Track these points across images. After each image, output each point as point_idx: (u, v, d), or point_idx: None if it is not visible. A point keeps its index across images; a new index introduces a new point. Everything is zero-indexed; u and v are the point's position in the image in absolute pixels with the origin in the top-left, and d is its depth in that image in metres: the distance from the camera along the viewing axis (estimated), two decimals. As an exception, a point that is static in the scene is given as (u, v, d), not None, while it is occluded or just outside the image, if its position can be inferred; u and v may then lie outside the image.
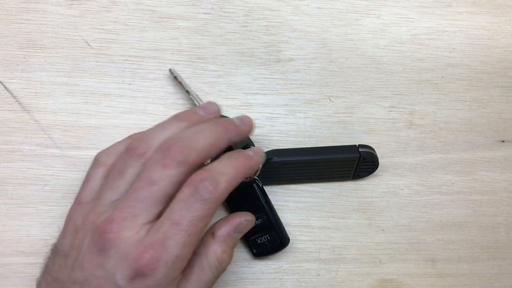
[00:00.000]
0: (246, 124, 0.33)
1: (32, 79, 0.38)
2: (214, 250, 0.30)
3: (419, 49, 0.41)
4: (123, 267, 0.26)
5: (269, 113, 0.39)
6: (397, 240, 0.39)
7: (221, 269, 0.31)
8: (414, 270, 0.39)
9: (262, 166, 0.34)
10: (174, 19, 0.39)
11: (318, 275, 0.38)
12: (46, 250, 0.31)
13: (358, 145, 0.37)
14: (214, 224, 0.32)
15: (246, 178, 0.35)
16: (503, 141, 0.41)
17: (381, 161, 0.40)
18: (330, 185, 0.39)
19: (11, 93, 0.37)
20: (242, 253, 0.38)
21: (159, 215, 0.28)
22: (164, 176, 0.28)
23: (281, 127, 0.39)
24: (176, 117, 0.32)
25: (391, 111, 0.40)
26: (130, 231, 0.27)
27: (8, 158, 0.37)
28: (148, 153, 0.29)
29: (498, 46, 0.42)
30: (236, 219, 0.32)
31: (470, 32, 0.42)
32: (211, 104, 0.33)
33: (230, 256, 0.31)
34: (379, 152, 0.39)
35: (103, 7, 0.39)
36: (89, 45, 0.38)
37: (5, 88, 0.38)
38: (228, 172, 0.29)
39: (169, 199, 0.28)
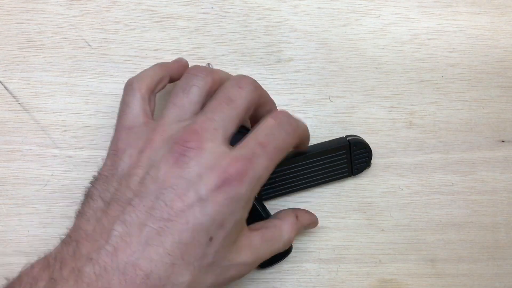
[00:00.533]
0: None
1: (32, 79, 0.38)
2: (291, 231, 0.32)
3: (419, 49, 0.41)
4: (210, 175, 0.25)
5: (269, 113, 0.39)
6: (397, 240, 0.39)
7: (284, 248, 0.32)
8: (414, 270, 0.39)
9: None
10: (174, 19, 0.39)
11: (318, 275, 0.38)
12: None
13: (346, 135, 0.37)
14: (298, 209, 0.35)
15: None
16: (503, 141, 0.41)
17: (381, 161, 0.40)
18: (330, 185, 0.39)
19: (11, 93, 0.37)
20: (242, 253, 0.38)
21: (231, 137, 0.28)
22: (240, 96, 0.28)
23: (281, 127, 0.39)
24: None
25: (391, 111, 0.40)
26: (212, 143, 0.26)
27: (8, 158, 0.37)
28: (214, 75, 0.30)
29: (498, 46, 0.42)
30: (315, 216, 0.36)
31: (470, 32, 0.42)
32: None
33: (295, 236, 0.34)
34: (379, 152, 0.39)
35: (103, 7, 0.39)
36: (89, 45, 0.38)
37: (5, 88, 0.38)
38: (303, 126, 0.32)
39: (241, 121, 0.29)
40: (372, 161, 0.39)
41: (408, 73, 0.41)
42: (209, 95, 0.30)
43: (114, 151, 0.28)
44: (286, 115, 0.30)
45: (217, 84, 0.30)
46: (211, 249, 0.25)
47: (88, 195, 0.27)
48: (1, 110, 0.37)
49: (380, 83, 0.40)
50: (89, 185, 0.28)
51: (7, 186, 0.37)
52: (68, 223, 0.29)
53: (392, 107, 0.40)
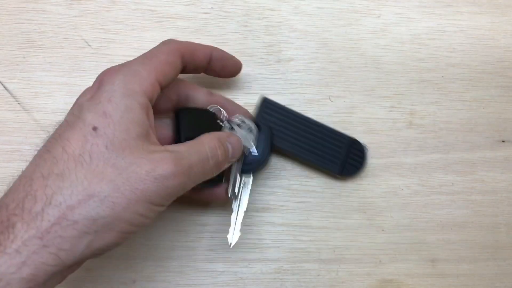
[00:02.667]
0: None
1: (32, 79, 0.38)
2: (211, 138, 0.30)
3: (419, 49, 0.41)
4: (88, 88, 0.28)
5: (269, 113, 0.39)
6: (397, 240, 0.39)
7: (216, 156, 0.29)
8: (415, 270, 0.39)
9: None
10: (174, 19, 0.39)
11: (318, 275, 0.38)
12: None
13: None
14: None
15: None
16: (503, 141, 0.41)
17: (381, 161, 0.40)
18: (330, 185, 0.39)
19: (11, 93, 0.37)
20: (241, 253, 0.38)
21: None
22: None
23: (281, 127, 0.39)
24: None
25: (391, 111, 0.40)
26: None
27: (8, 158, 0.37)
28: None
29: (498, 46, 0.42)
30: (227, 132, 0.34)
31: (471, 32, 0.42)
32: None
33: (223, 155, 0.30)
34: (379, 152, 0.39)
35: (103, 7, 0.39)
36: (89, 45, 0.38)
37: (5, 88, 0.37)
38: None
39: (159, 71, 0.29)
40: (372, 161, 0.39)
41: (408, 73, 0.41)
42: None
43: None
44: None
45: None
46: (99, 139, 0.24)
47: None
48: (1, 110, 0.37)
49: (380, 83, 0.40)
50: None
51: (7, 186, 0.37)
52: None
53: (392, 107, 0.40)
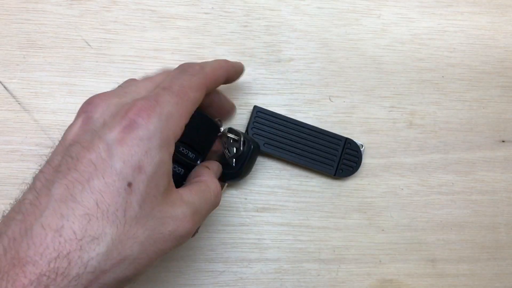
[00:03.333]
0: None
1: (32, 79, 0.38)
2: (214, 181, 0.30)
3: (419, 49, 0.41)
4: (114, 121, 0.24)
5: (269, 113, 0.39)
6: (397, 240, 0.39)
7: (217, 201, 0.30)
8: (414, 270, 0.39)
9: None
10: (174, 19, 0.39)
11: (318, 275, 0.38)
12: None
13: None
14: (205, 162, 0.32)
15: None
16: (503, 141, 0.41)
17: (381, 161, 0.40)
18: (330, 185, 0.39)
19: (11, 93, 0.37)
20: (241, 253, 0.38)
21: None
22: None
23: (281, 127, 0.39)
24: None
25: (391, 111, 0.40)
26: (117, 98, 0.26)
27: (8, 158, 0.37)
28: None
29: (498, 46, 0.42)
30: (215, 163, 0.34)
31: (471, 32, 0.42)
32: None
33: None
34: (379, 152, 0.39)
35: (103, 7, 0.39)
36: (89, 45, 0.38)
37: (5, 88, 0.37)
38: (213, 64, 0.31)
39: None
40: (373, 161, 0.40)
41: (408, 73, 0.41)
42: None
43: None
44: (188, 63, 0.30)
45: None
46: (133, 197, 0.23)
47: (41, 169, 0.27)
48: (1, 110, 0.37)
49: (380, 83, 0.40)
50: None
51: (7, 186, 0.37)
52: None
53: (392, 107, 0.40)
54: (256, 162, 0.38)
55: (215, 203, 0.30)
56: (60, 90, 0.38)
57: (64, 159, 0.24)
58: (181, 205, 0.26)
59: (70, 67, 0.38)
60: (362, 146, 0.39)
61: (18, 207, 0.23)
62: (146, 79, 0.30)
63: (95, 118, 0.25)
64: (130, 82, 0.30)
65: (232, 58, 0.39)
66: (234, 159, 0.35)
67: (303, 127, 0.38)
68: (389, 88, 0.40)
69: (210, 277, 0.37)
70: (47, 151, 0.37)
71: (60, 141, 0.25)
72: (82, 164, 0.23)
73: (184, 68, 0.29)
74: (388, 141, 0.40)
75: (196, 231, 0.31)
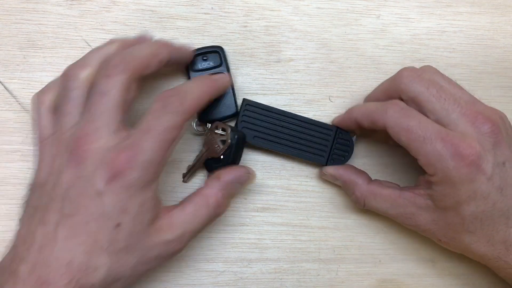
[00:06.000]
0: (186, 47, 0.36)
1: (32, 79, 0.38)
2: (216, 193, 0.33)
3: (419, 49, 0.41)
4: (102, 171, 0.28)
5: (269, 113, 0.39)
6: (397, 240, 0.39)
7: (217, 212, 0.33)
8: (414, 270, 0.39)
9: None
10: (174, 19, 0.39)
11: (318, 275, 0.38)
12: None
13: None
14: (221, 170, 0.34)
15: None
16: (503, 141, 0.41)
17: (381, 160, 0.40)
18: (330, 185, 0.39)
19: (11, 93, 0.38)
20: (241, 253, 0.38)
21: (123, 122, 0.30)
22: (111, 87, 0.29)
23: (281, 127, 0.39)
24: (109, 41, 0.34)
25: (391, 111, 0.40)
26: (101, 141, 0.29)
27: (8, 158, 0.37)
28: (86, 70, 0.31)
29: (498, 46, 0.42)
30: (241, 169, 0.35)
31: (470, 32, 0.42)
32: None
33: (228, 204, 0.34)
34: (379, 152, 0.39)
35: (103, 7, 0.39)
36: (89, 45, 0.38)
37: (5, 88, 0.38)
38: (194, 91, 0.32)
39: (126, 104, 0.30)
40: (372, 160, 0.40)
41: (408, 73, 0.41)
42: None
43: (38, 160, 0.31)
44: (169, 93, 0.31)
45: (95, 76, 0.31)
46: (120, 234, 0.28)
47: (24, 204, 0.31)
48: (1, 110, 0.37)
49: (380, 83, 0.40)
50: (25, 196, 0.31)
51: (7, 186, 0.37)
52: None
53: (392, 107, 0.40)
54: (256, 163, 0.38)
55: (213, 215, 0.33)
56: (60, 90, 0.38)
57: (65, 203, 0.28)
58: (167, 231, 0.30)
59: (70, 67, 0.38)
60: (354, 138, 0.39)
61: (32, 236, 0.28)
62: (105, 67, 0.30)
63: (87, 165, 0.28)
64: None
65: (232, 58, 0.39)
66: (222, 153, 0.36)
67: (293, 118, 0.38)
68: (389, 88, 0.40)
69: (210, 277, 0.37)
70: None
71: (54, 183, 0.29)
72: (79, 207, 0.28)
73: (164, 105, 0.30)
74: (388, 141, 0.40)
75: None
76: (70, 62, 0.38)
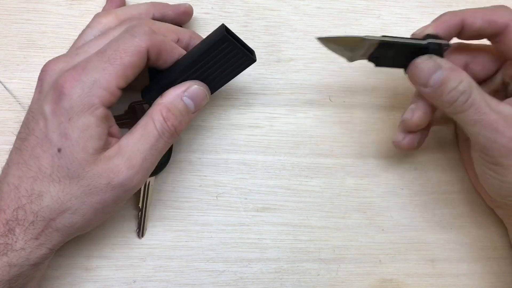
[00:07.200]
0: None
1: (32, 79, 0.38)
2: (160, 109, 0.30)
3: (419, 49, 0.41)
4: (50, 92, 0.28)
5: (269, 113, 0.39)
6: (397, 240, 0.39)
7: (166, 129, 0.30)
8: (414, 270, 0.39)
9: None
10: (174, 19, 0.39)
11: (318, 275, 0.38)
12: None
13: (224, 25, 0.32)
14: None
15: None
16: (503, 141, 0.41)
17: (381, 161, 0.40)
18: (330, 185, 0.39)
19: (11, 93, 0.38)
20: (241, 253, 0.38)
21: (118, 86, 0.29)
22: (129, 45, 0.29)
23: (281, 127, 0.39)
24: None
25: (391, 111, 0.40)
26: (60, 64, 0.30)
27: (8, 158, 0.37)
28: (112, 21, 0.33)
29: (498, 46, 0.42)
30: (187, 82, 0.32)
31: (470, 32, 0.42)
32: None
33: (178, 119, 0.31)
34: (379, 151, 0.39)
35: (103, 7, 0.39)
36: (89, 45, 0.38)
37: (5, 88, 0.38)
38: (165, 27, 0.32)
39: (118, 74, 0.29)
40: (372, 161, 0.40)
41: (408, 73, 0.41)
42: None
43: None
44: (140, 21, 0.31)
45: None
46: (62, 160, 0.28)
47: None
48: (1, 110, 0.37)
49: (380, 83, 0.40)
50: None
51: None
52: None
53: (392, 106, 0.40)
54: (256, 162, 0.38)
55: (163, 134, 0.30)
56: (60, 90, 0.38)
57: (23, 129, 0.30)
58: (115, 157, 0.29)
59: (70, 67, 0.38)
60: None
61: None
62: (102, 36, 0.31)
63: (44, 88, 0.29)
64: (87, 34, 0.33)
65: (232, 58, 0.39)
66: None
67: (191, 60, 0.32)
68: (389, 88, 0.40)
69: (210, 277, 0.37)
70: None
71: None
72: (31, 134, 0.29)
73: (131, 27, 0.30)
74: (389, 141, 0.40)
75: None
76: (70, 62, 0.38)
